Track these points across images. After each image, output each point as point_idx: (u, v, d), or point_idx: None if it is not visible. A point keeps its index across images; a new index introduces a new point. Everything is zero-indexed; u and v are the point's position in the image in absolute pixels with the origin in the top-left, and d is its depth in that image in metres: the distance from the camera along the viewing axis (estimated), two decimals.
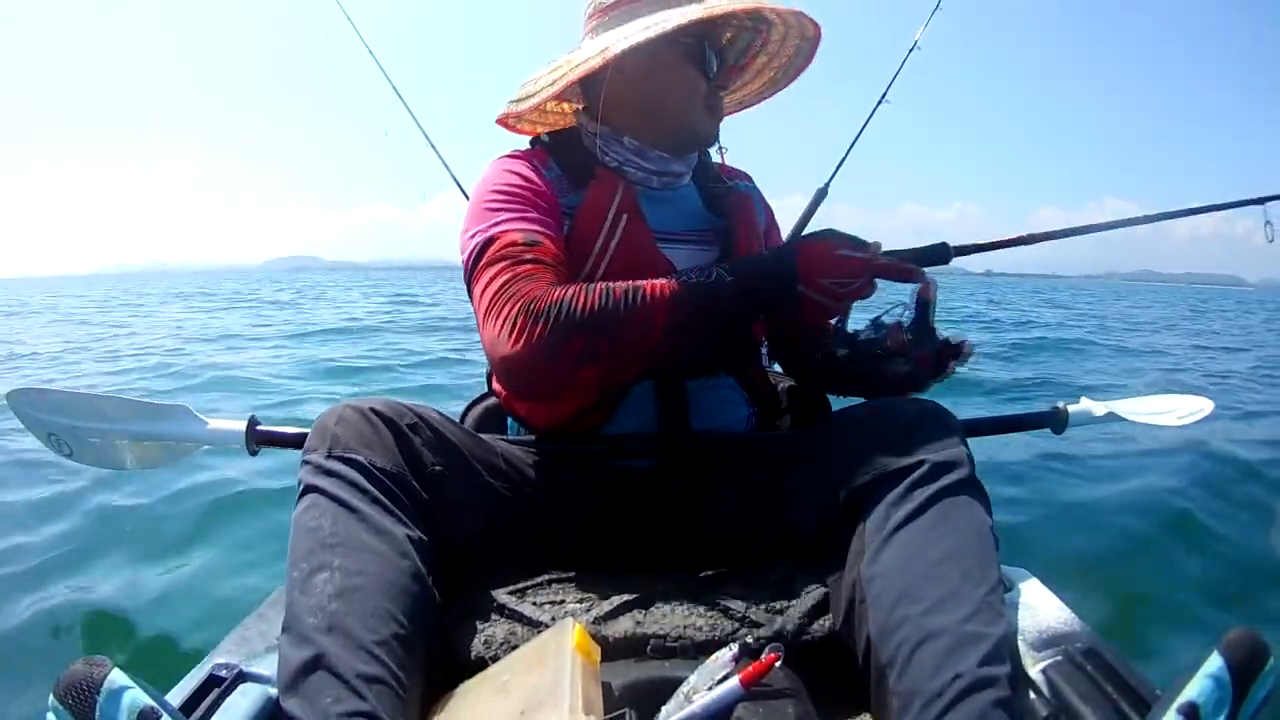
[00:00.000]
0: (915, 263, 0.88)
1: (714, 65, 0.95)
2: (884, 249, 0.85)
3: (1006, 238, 0.92)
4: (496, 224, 0.86)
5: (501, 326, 0.78)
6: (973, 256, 1.01)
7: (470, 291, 0.87)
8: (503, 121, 1.05)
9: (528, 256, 0.83)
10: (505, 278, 0.81)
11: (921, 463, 0.70)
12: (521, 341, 0.76)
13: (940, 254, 0.89)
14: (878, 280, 0.84)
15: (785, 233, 1.56)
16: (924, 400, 0.78)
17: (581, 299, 0.77)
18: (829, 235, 0.84)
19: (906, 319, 0.87)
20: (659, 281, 0.79)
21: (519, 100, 0.97)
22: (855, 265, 0.82)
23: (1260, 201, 1.17)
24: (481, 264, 0.84)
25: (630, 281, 0.79)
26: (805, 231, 1.05)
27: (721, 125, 1.01)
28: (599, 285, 0.78)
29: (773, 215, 1.12)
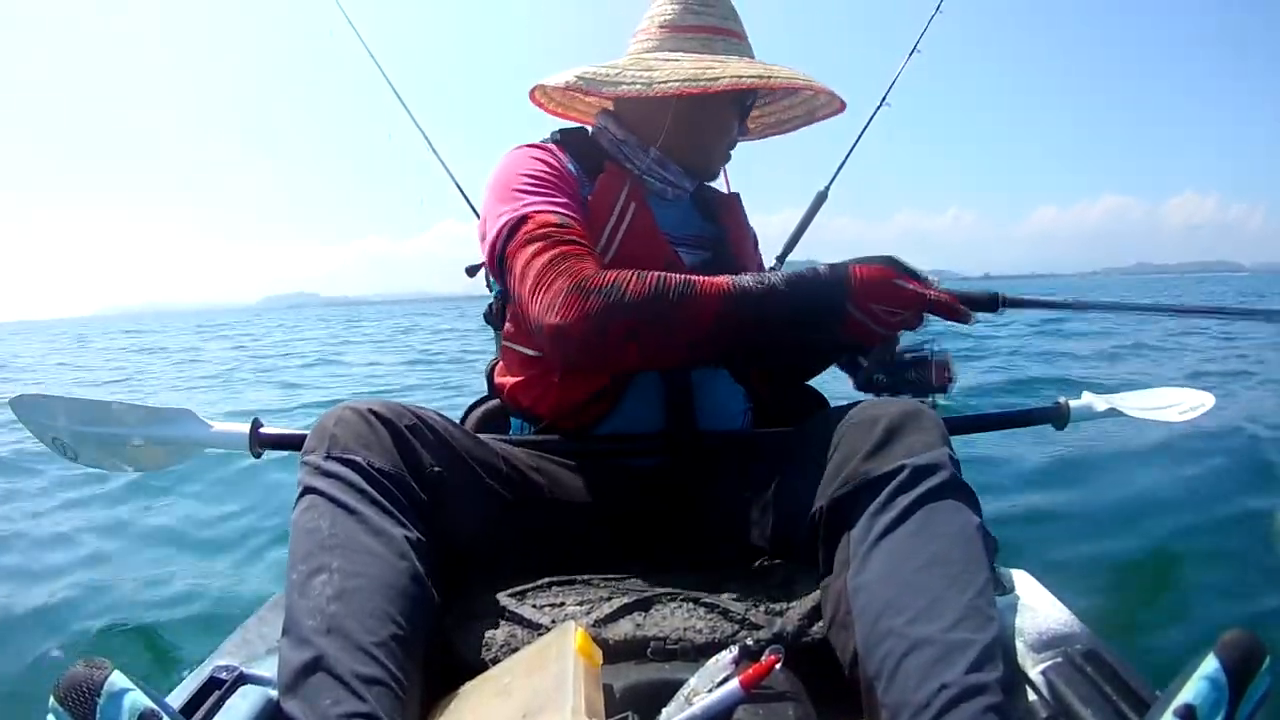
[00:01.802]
0: (965, 305, 0.87)
1: (748, 114, 1.04)
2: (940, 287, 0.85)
3: (1057, 299, 0.92)
4: (528, 205, 0.89)
5: (553, 298, 0.81)
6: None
7: (503, 269, 0.89)
8: (541, 92, 1.10)
9: (568, 237, 0.86)
10: (553, 253, 0.84)
11: (902, 468, 0.69)
12: (573, 313, 0.79)
13: (989, 302, 0.87)
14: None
15: (784, 239, 1.58)
16: (905, 401, 0.77)
17: (635, 282, 0.79)
18: (888, 261, 0.84)
19: (937, 355, 0.88)
20: (713, 279, 0.81)
21: (595, 80, 0.96)
22: (908, 295, 0.82)
23: None
24: (518, 240, 0.86)
25: (685, 275, 0.81)
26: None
27: None
28: (652, 273, 0.81)
29: (754, 234, 1.15)
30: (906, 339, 0.90)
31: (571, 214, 0.89)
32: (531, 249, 0.85)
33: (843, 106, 1.08)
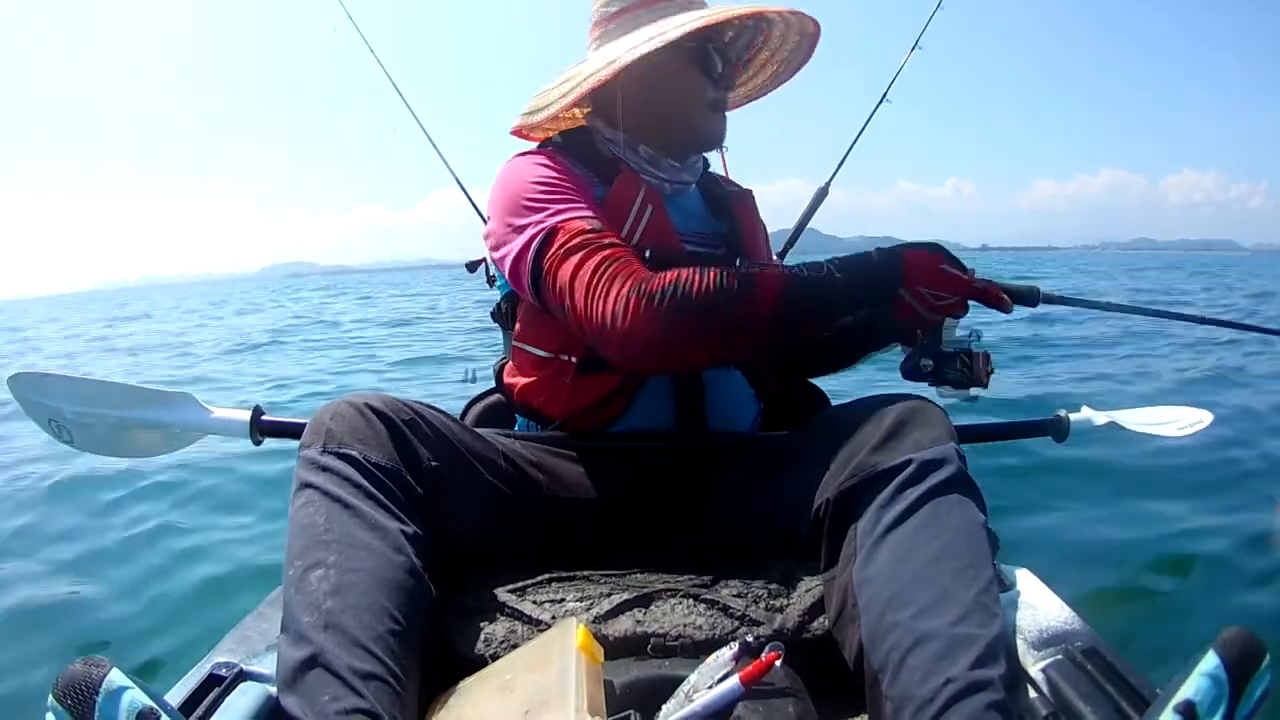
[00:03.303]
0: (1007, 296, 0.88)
1: (717, 66, 0.97)
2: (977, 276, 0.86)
3: (1095, 300, 0.95)
4: (552, 215, 0.87)
5: (615, 304, 0.79)
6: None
7: (538, 285, 0.87)
8: (518, 131, 1.07)
9: (605, 241, 0.84)
10: (597, 259, 0.82)
11: (909, 462, 0.69)
12: (641, 317, 0.78)
13: (1029, 296, 0.89)
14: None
15: (786, 229, 1.57)
16: (912, 396, 0.78)
17: (696, 280, 0.78)
18: (936, 248, 0.85)
19: (978, 346, 0.89)
20: (771, 271, 0.81)
21: (532, 113, 0.98)
22: (956, 281, 0.83)
23: None
24: (555, 251, 0.85)
25: (743, 269, 0.81)
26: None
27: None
28: (712, 269, 0.80)
29: (765, 228, 1.14)
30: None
31: (598, 218, 0.87)
32: (574, 260, 0.83)
33: (817, 30, 1.03)
